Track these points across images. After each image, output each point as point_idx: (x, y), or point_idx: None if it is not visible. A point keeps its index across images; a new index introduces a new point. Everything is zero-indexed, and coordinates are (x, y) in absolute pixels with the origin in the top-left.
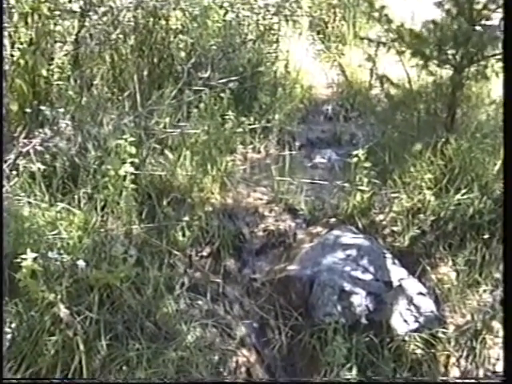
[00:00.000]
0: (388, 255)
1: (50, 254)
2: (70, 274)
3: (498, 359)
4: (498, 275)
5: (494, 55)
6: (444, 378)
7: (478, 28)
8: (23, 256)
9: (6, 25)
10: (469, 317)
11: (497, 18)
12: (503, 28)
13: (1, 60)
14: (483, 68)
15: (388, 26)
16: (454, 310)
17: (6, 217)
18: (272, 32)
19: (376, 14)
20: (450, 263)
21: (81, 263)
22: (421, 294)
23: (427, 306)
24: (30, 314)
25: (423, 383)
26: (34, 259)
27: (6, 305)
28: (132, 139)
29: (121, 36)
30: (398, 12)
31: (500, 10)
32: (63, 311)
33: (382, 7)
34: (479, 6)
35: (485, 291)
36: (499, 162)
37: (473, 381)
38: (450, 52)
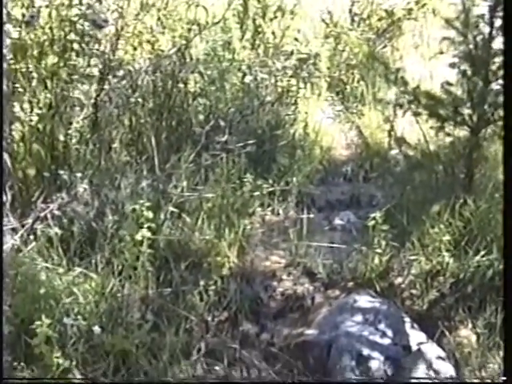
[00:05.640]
0: (406, 319)
1: (65, 320)
2: (86, 339)
3: None
4: None
5: None
6: None
7: (493, 88)
8: (38, 322)
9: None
10: (489, 381)
11: None
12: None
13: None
14: (500, 129)
15: (404, 87)
16: (475, 374)
17: (22, 280)
18: (290, 94)
19: (392, 77)
20: (470, 326)
21: (96, 329)
22: (440, 358)
23: (447, 370)
24: (45, 380)
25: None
26: (49, 325)
27: (22, 370)
28: (148, 204)
29: (139, 99)
30: (416, 73)
31: None
32: (78, 378)
33: (398, 69)
34: (494, 67)
35: None
36: None
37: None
38: (466, 113)
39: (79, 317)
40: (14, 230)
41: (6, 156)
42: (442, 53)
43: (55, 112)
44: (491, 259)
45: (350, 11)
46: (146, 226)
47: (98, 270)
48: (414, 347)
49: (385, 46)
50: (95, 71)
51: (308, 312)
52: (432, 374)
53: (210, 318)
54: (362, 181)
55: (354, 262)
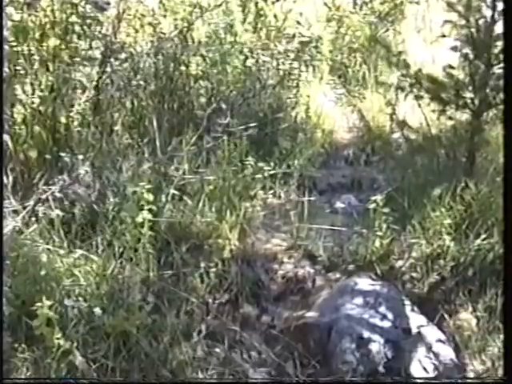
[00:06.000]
0: (407, 302)
1: (66, 302)
2: (87, 321)
3: None
4: None
5: None
6: None
7: (495, 71)
8: (39, 304)
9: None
10: (489, 364)
11: None
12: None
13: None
14: (501, 112)
15: (406, 71)
16: (474, 357)
17: (23, 262)
18: (292, 77)
19: (394, 60)
20: (470, 309)
21: (97, 310)
22: (440, 341)
23: (447, 353)
24: (46, 362)
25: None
26: (50, 307)
27: (23, 352)
28: (150, 186)
29: (141, 82)
30: (418, 56)
31: None
32: (79, 359)
33: (400, 52)
34: (496, 50)
35: None
36: None
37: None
38: (467, 96)
39: (80, 298)
40: (16, 212)
41: (7, 138)
42: (444, 36)
43: (57, 94)
44: (492, 243)
45: None
46: (147, 208)
47: (98, 252)
48: (414, 330)
49: (387, 30)
50: (97, 54)
51: (309, 295)
52: (432, 356)
53: (210, 300)
54: (364, 164)
55: (354, 244)
